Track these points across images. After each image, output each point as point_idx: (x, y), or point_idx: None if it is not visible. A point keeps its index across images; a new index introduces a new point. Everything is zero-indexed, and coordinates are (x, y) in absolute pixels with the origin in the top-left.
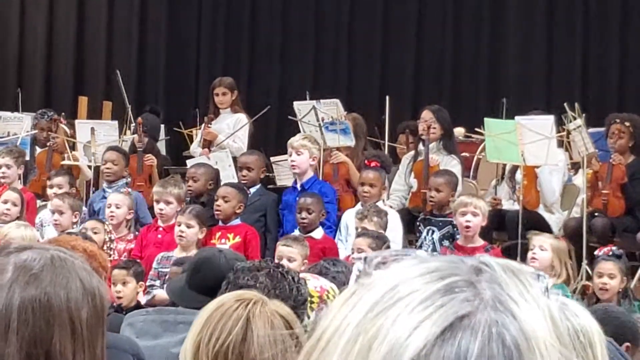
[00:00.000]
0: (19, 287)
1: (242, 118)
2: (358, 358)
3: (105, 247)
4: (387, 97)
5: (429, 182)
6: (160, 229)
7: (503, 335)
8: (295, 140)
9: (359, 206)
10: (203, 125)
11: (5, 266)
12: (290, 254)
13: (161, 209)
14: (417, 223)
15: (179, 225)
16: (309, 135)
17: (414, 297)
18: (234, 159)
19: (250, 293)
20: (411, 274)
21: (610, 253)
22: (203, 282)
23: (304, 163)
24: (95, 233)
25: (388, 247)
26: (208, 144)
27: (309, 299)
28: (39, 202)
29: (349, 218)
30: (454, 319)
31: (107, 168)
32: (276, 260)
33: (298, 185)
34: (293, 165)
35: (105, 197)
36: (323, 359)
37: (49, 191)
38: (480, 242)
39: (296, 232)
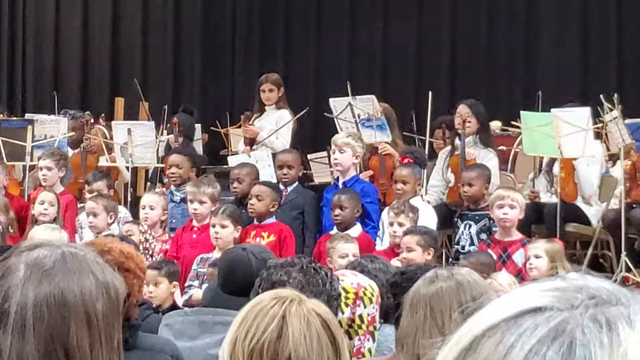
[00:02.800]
0: (32, 285)
1: (285, 114)
2: None
3: (141, 248)
4: (430, 93)
5: (462, 176)
6: (195, 228)
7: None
8: (338, 138)
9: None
10: (242, 123)
11: (17, 265)
12: (347, 250)
13: (195, 209)
14: (455, 219)
15: (214, 227)
16: (353, 133)
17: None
18: (273, 157)
19: (287, 291)
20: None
21: None
22: (235, 284)
23: (346, 161)
24: (130, 235)
25: (437, 242)
26: (250, 142)
27: (344, 294)
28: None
29: (385, 215)
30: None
31: (172, 173)
32: (337, 260)
33: (340, 184)
34: (336, 163)
35: (173, 201)
36: None
37: (88, 196)
38: (518, 235)
39: (334, 231)
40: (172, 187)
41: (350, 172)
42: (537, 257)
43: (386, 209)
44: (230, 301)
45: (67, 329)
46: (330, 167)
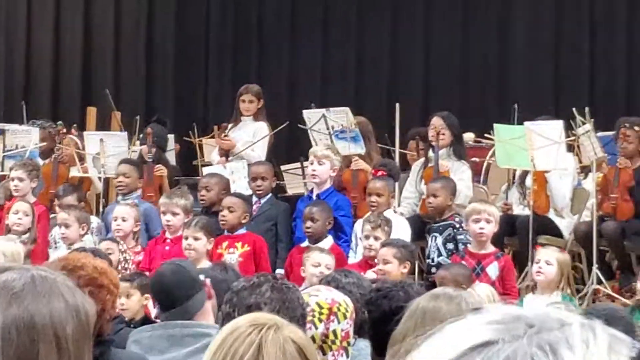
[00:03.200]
0: (1, 308)
1: (263, 127)
2: None
3: (120, 267)
4: (397, 105)
5: (427, 187)
6: (168, 240)
7: None
8: (318, 150)
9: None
10: (217, 133)
11: None
12: (321, 260)
13: (168, 220)
14: (425, 234)
15: (186, 239)
16: (332, 146)
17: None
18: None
19: (265, 317)
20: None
21: None
22: (167, 301)
23: (324, 173)
24: (109, 254)
25: (414, 255)
26: (225, 153)
27: (318, 309)
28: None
29: (359, 227)
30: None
31: (120, 181)
32: (309, 267)
33: (314, 195)
34: (314, 175)
35: None
36: None
37: (59, 210)
38: (491, 248)
39: (305, 243)
40: (119, 197)
41: (325, 184)
42: (548, 263)
43: (359, 221)
44: (175, 315)
45: (36, 352)
46: (304, 178)
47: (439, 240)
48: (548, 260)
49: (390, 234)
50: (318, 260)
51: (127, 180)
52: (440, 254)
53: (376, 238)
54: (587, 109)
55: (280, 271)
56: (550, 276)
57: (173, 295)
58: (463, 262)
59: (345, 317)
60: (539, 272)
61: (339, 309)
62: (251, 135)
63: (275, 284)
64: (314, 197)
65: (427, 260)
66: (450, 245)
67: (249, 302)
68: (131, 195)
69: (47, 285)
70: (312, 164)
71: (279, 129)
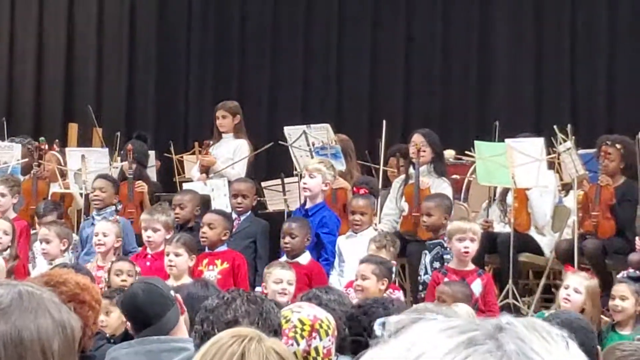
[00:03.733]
0: None
1: (243, 144)
2: None
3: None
4: (384, 122)
5: (422, 206)
6: (149, 256)
7: None
8: (310, 163)
9: (350, 232)
10: (199, 150)
11: None
12: (282, 276)
13: (149, 237)
14: (406, 251)
15: (168, 255)
16: (326, 160)
17: (437, 351)
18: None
19: (246, 330)
20: (431, 330)
21: (625, 275)
22: (143, 320)
23: (315, 187)
24: (129, 276)
25: (391, 272)
26: (206, 170)
27: (300, 326)
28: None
29: (341, 244)
30: None
31: (95, 196)
32: (271, 284)
33: (304, 210)
34: (305, 188)
35: (94, 225)
36: None
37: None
38: (472, 266)
39: (283, 258)
40: (94, 212)
41: (317, 199)
42: (577, 291)
43: (341, 237)
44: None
45: None
46: (284, 194)
47: (428, 257)
48: (577, 288)
49: (396, 254)
50: (279, 276)
51: (103, 195)
52: (426, 272)
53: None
54: (569, 126)
55: (259, 289)
56: (577, 304)
57: (147, 314)
58: (445, 279)
59: (327, 334)
60: (566, 299)
61: (321, 326)
62: (231, 152)
63: (249, 297)
64: (304, 212)
65: (419, 278)
66: (437, 264)
67: (227, 319)
68: (106, 210)
69: (34, 301)
70: (303, 177)
71: (261, 149)
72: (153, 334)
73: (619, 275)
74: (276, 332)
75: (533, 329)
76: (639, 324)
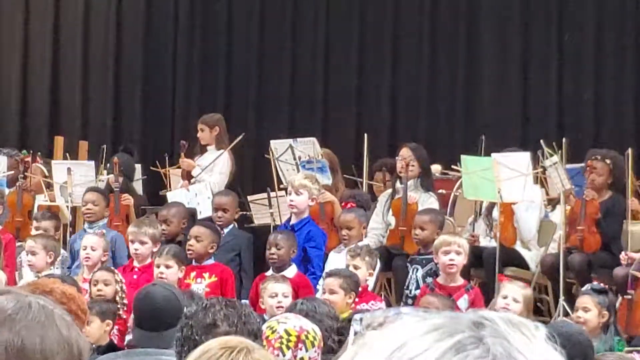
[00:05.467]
0: None
1: (223, 154)
2: None
3: (117, 298)
4: (366, 135)
5: (414, 220)
6: (136, 269)
7: None
8: (296, 180)
9: (340, 246)
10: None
11: None
12: (277, 290)
13: (136, 249)
14: (407, 264)
15: (158, 267)
16: (310, 175)
17: (426, 356)
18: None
19: (235, 340)
20: (417, 331)
21: (589, 287)
22: (150, 319)
23: (302, 204)
24: (106, 285)
25: (358, 286)
26: (187, 176)
27: (286, 337)
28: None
29: (331, 258)
30: None
31: (88, 209)
32: (267, 299)
33: (290, 226)
34: (292, 205)
35: None
36: None
37: (34, 233)
38: (460, 280)
39: (269, 272)
40: (85, 225)
41: (303, 214)
42: (515, 301)
43: (332, 252)
44: (153, 339)
45: None
46: (270, 208)
47: (419, 273)
48: (515, 297)
49: (375, 265)
50: (275, 290)
51: (95, 208)
52: (418, 287)
53: (355, 267)
54: (555, 142)
55: (245, 302)
56: (516, 313)
57: (160, 320)
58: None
59: (313, 346)
60: (505, 308)
61: (307, 337)
62: (211, 162)
63: (227, 302)
64: (289, 227)
65: (406, 291)
66: (429, 280)
67: (206, 322)
68: (98, 223)
69: (42, 314)
70: (290, 194)
71: (234, 143)
72: (157, 341)
73: (583, 288)
74: (256, 335)
75: (512, 324)
76: (605, 334)
